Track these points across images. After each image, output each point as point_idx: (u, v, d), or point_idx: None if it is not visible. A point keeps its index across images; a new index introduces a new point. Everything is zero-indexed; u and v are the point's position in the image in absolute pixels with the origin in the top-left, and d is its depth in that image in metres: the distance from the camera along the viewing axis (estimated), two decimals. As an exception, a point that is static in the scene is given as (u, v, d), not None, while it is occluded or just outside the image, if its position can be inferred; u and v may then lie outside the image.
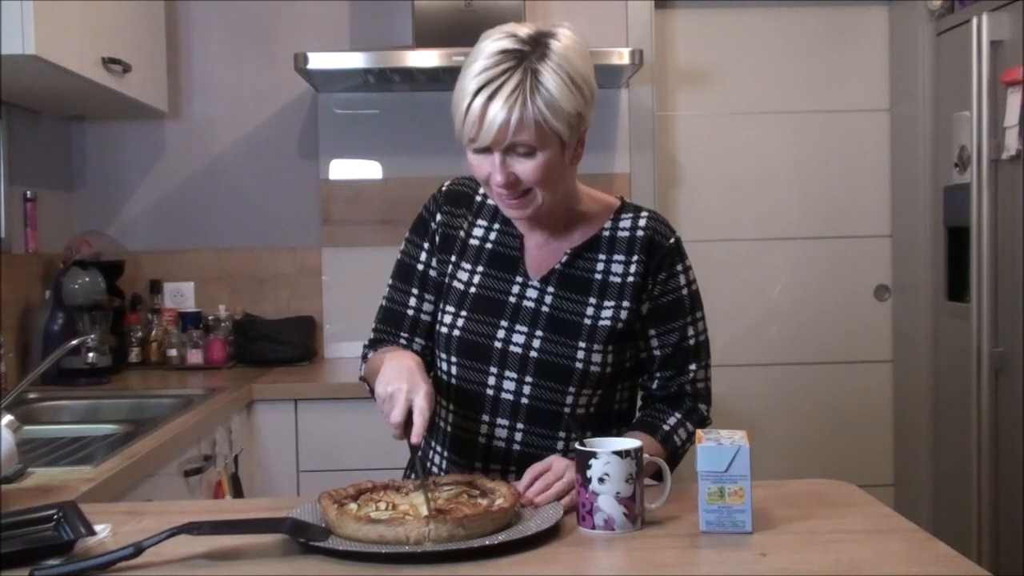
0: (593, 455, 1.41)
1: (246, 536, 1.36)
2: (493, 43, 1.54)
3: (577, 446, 1.45)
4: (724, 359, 3.76)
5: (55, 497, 1.63)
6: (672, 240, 1.70)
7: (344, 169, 3.58)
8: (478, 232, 1.72)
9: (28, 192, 3.11)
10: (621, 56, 3.15)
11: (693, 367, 1.71)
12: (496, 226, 1.72)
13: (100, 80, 2.73)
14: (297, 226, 3.55)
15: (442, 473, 1.72)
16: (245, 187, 3.56)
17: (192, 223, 3.55)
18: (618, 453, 1.41)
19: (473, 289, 1.69)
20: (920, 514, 3.50)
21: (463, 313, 1.68)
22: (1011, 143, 2.89)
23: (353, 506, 1.41)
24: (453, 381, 1.70)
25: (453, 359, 1.69)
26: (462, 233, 1.73)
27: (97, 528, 1.37)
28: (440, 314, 1.71)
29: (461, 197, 1.75)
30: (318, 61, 3.09)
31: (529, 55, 1.53)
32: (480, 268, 1.70)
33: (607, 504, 1.40)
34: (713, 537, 1.38)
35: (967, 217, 3.08)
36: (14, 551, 1.29)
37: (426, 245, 1.74)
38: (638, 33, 3.59)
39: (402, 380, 1.50)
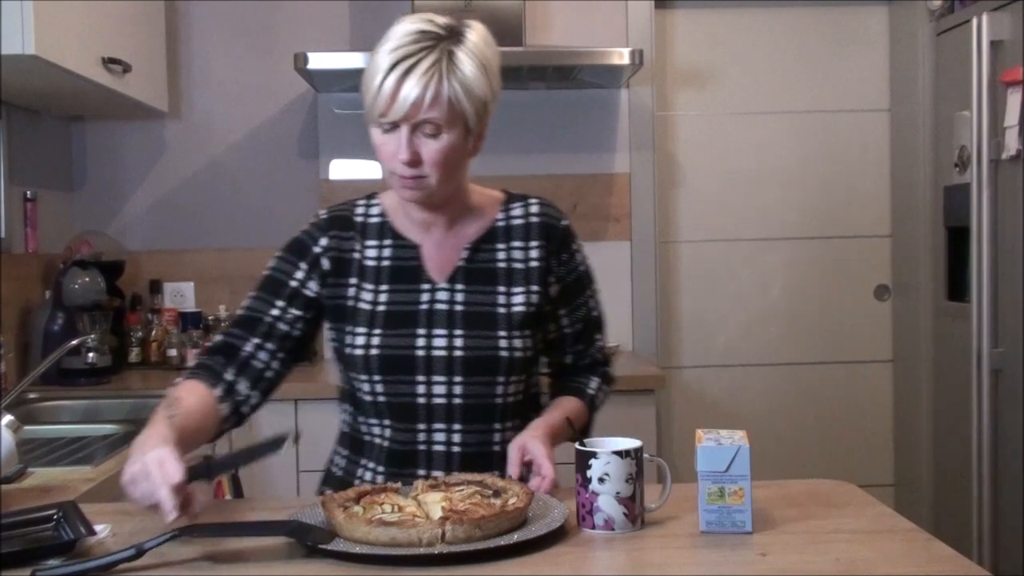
0: (593, 455, 1.41)
1: (249, 539, 1.36)
2: (410, 25, 1.58)
3: (577, 446, 1.45)
4: (724, 359, 3.77)
5: (55, 497, 1.63)
6: (565, 222, 1.75)
7: (344, 169, 3.58)
8: (371, 252, 1.71)
9: (28, 192, 3.11)
10: (621, 56, 3.15)
11: (598, 337, 1.81)
12: (388, 242, 1.71)
13: (100, 80, 2.73)
14: (297, 226, 3.54)
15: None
16: (245, 187, 3.56)
17: (192, 223, 3.55)
18: (618, 453, 1.41)
19: (381, 307, 1.67)
20: (920, 514, 3.50)
21: (376, 331, 1.66)
22: (1011, 143, 2.89)
23: (358, 509, 1.40)
24: (381, 399, 1.67)
25: (376, 377, 1.66)
26: (356, 255, 1.71)
27: (97, 528, 1.37)
28: (347, 337, 1.68)
29: (345, 221, 1.73)
30: (318, 61, 3.10)
31: (446, 39, 1.57)
32: (384, 286, 1.69)
33: (607, 504, 1.40)
34: (713, 537, 1.38)
35: (967, 217, 3.07)
36: (14, 551, 1.29)
37: (303, 266, 1.71)
38: (638, 33, 3.59)
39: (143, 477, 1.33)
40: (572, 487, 1.46)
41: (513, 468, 1.56)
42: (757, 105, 3.76)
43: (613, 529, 1.40)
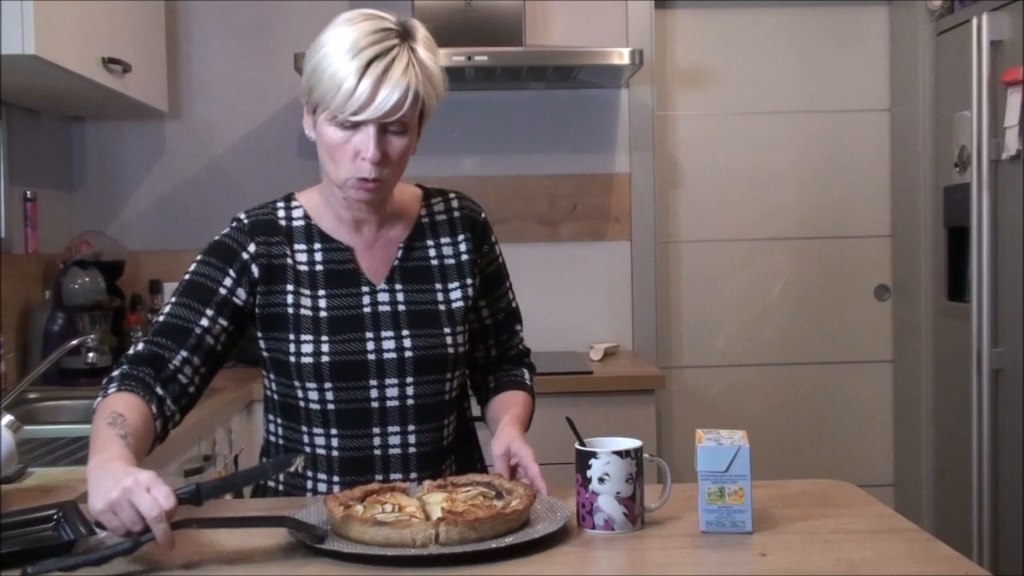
0: (593, 455, 1.41)
1: (248, 539, 1.36)
2: (367, 23, 1.55)
3: (577, 446, 1.45)
4: (724, 359, 3.77)
5: (55, 497, 1.63)
6: (483, 214, 1.79)
7: (344, 169, 3.57)
8: (301, 257, 1.66)
9: (28, 192, 3.11)
10: (621, 56, 3.14)
11: (518, 328, 1.85)
12: (317, 246, 1.67)
13: (100, 80, 2.73)
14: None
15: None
16: (245, 187, 3.56)
17: (192, 223, 3.55)
18: (618, 453, 1.41)
19: (323, 313, 1.64)
20: (920, 514, 3.51)
21: (324, 338, 1.63)
22: (1011, 143, 2.89)
23: (360, 508, 1.40)
24: (331, 406, 1.64)
25: (327, 385, 1.63)
26: (288, 260, 1.66)
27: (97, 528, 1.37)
28: (291, 345, 1.63)
29: (269, 225, 1.67)
30: (318, 61, 3.09)
31: (405, 36, 1.56)
32: (321, 291, 1.65)
33: (607, 504, 1.40)
34: (713, 537, 1.39)
35: (967, 217, 3.07)
36: (14, 551, 1.29)
37: (232, 272, 1.64)
38: (638, 33, 3.59)
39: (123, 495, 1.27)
40: (572, 487, 1.46)
41: (503, 472, 1.55)
42: (757, 105, 3.76)
43: (613, 529, 1.40)
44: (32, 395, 2.77)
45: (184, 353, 1.61)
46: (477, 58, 2.97)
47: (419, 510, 1.40)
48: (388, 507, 1.41)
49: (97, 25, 2.75)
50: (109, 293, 3.20)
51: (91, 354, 3.02)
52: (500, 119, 3.58)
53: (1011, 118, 2.88)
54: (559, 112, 3.60)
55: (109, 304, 3.19)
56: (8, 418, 1.72)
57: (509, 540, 1.31)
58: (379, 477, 1.64)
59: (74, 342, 2.65)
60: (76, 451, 2.09)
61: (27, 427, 2.07)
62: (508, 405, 1.72)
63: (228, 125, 3.58)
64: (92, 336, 3.00)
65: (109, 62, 2.77)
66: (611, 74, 3.37)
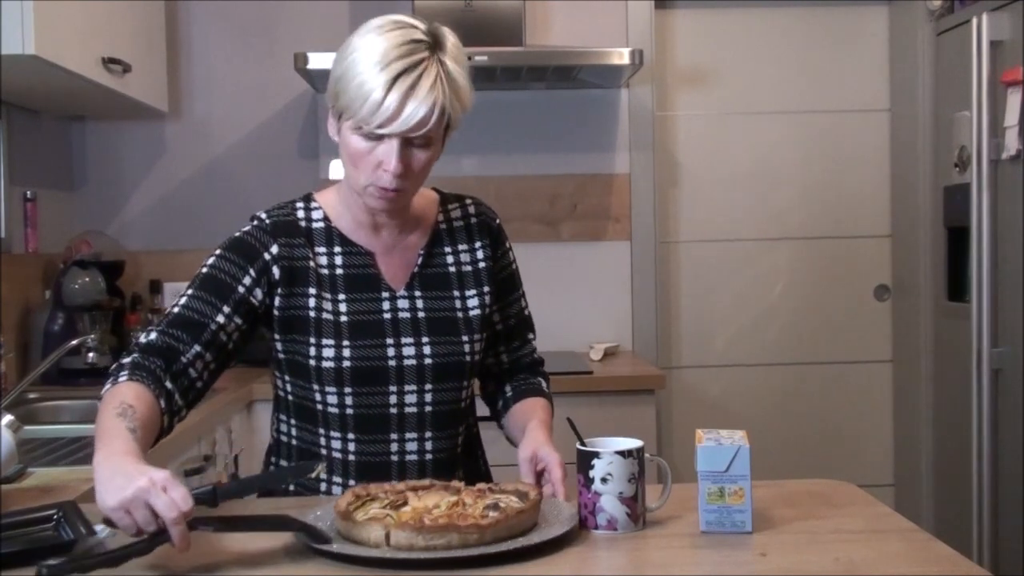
0: (596, 455, 1.41)
1: (253, 540, 1.36)
2: (397, 32, 1.52)
3: (579, 446, 1.45)
4: (724, 359, 3.77)
5: (55, 497, 1.63)
6: (498, 221, 1.79)
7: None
8: (323, 260, 1.66)
9: (28, 192, 3.11)
10: (621, 56, 3.15)
11: (531, 336, 1.84)
12: (337, 249, 1.67)
13: (100, 80, 2.73)
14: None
15: None
16: (245, 187, 3.56)
17: (192, 223, 3.55)
18: (621, 453, 1.41)
19: (344, 317, 1.63)
20: (920, 514, 3.50)
21: (345, 343, 1.62)
22: (1011, 143, 2.89)
23: (368, 505, 1.40)
24: (350, 410, 1.64)
25: (347, 389, 1.63)
26: (311, 263, 1.65)
27: (97, 528, 1.36)
28: (311, 348, 1.62)
29: (291, 227, 1.67)
30: (318, 61, 3.09)
31: (435, 47, 1.54)
32: (342, 295, 1.65)
33: (610, 504, 1.40)
34: (713, 537, 1.39)
35: (967, 217, 3.08)
36: (14, 551, 1.29)
37: (252, 271, 1.64)
38: (638, 33, 3.59)
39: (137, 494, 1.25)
40: (573, 487, 1.46)
41: (528, 478, 1.54)
42: (757, 105, 3.76)
43: (616, 529, 1.40)
44: (32, 395, 2.77)
45: (197, 348, 1.60)
46: (477, 58, 2.97)
47: (415, 511, 1.39)
48: (384, 506, 1.40)
49: (97, 25, 2.75)
50: (109, 293, 3.20)
51: (91, 354, 3.02)
52: (500, 119, 3.57)
53: (1011, 118, 2.88)
54: (559, 112, 3.60)
55: (109, 304, 3.19)
56: (8, 418, 1.72)
57: (449, 553, 1.27)
58: (394, 482, 1.64)
59: (74, 342, 2.65)
60: (76, 451, 2.09)
61: (27, 427, 2.07)
62: (531, 411, 1.71)
63: (228, 125, 3.58)
64: (92, 336, 3.00)
65: (109, 62, 2.77)
66: (611, 74, 3.37)
